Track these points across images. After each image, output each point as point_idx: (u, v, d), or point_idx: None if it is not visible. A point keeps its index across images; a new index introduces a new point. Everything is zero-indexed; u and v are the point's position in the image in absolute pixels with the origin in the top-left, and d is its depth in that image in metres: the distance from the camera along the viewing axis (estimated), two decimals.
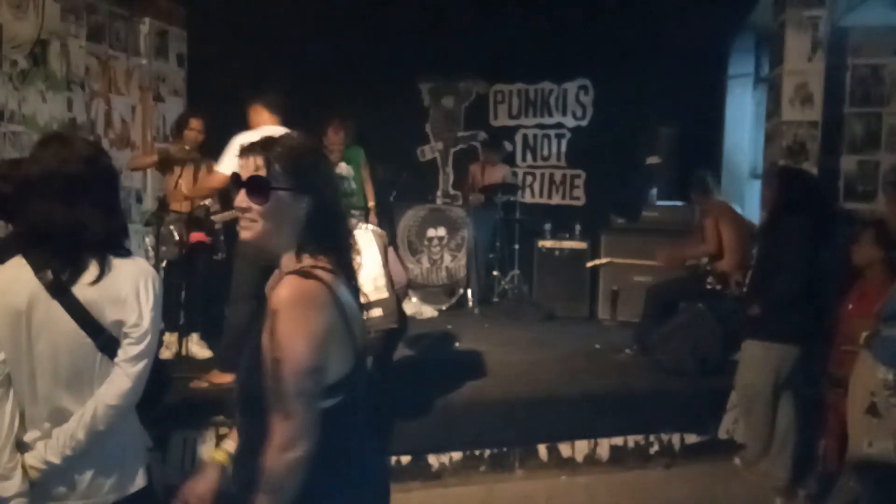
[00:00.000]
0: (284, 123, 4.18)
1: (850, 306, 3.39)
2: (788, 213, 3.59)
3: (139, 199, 5.31)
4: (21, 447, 1.75)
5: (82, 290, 1.73)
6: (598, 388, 4.34)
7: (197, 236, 4.47)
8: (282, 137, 1.54)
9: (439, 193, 7.91)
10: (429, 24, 5.99)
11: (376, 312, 3.22)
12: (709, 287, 4.77)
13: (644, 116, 6.61)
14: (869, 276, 3.35)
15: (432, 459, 3.86)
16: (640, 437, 4.08)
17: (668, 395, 4.24)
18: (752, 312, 3.63)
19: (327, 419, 1.42)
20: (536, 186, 7.78)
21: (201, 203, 4.44)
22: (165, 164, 4.54)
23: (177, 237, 4.40)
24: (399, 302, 3.45)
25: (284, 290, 1.42)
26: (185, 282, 4.57)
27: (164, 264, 4.44)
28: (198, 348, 4.47)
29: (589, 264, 6.28)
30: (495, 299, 6.75)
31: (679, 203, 5.91)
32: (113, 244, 1.81)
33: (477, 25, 6.08)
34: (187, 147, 4.45)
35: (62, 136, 1.95)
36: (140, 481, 1.87)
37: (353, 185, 5.99)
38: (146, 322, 1.78)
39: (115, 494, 1.81)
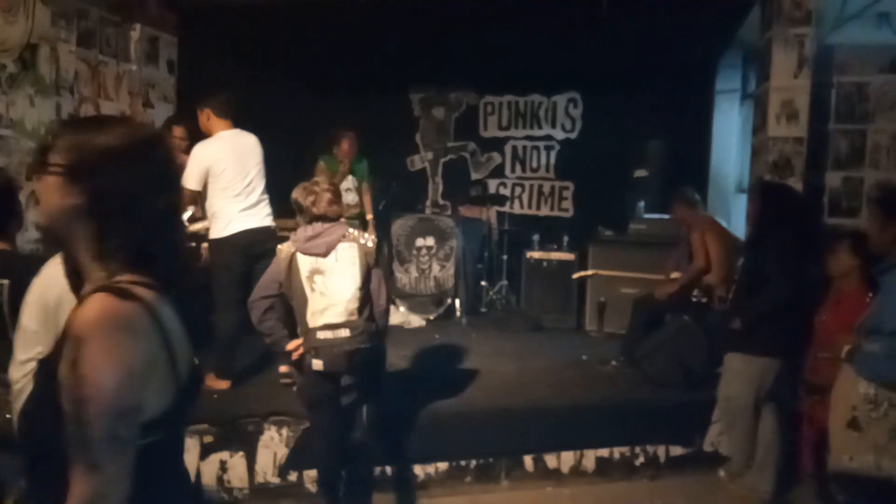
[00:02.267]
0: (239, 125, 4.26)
1: (826, 315, 3.43)
2: (772, 227, 3.62)
3: None
4: None
5: None
6: (584, 399, 4.35)
7: None
8: (98, 118, 1.38)
9: (428, 203, 7.94)
10: (420, 36, 6.02)
11: (343, 333, 3.10)
12: (695, 300, 4.82)
13: (632, 130, 6.68)
14: (845, 286, 3.39)
15: (418, 470, 3.86)
16: (625, 449, 4.10)
17: (653, 407, 4.25)
18: (734, 326, 3.66)
19: (139, 460, 1.19)
20: (525, 197, 7.83)
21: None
22: None
23: None
24: (375, 324, 3.24)
25: (91, 312, 1.16)
26: None
27: None
28: None
29: (575, 276, 6.30)
30: (483, 309, 6.76)
31: (666, 216, 5.94)
32: None
33: (468, 37, 6.12)
34: None
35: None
36: None
37: (357, 198, 6.00)
38: None
39: None
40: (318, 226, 3.17)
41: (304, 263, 3.13)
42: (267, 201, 4.30)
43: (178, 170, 1.38)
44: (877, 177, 4.89)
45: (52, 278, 1.78)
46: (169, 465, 1.32)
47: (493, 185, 7.89)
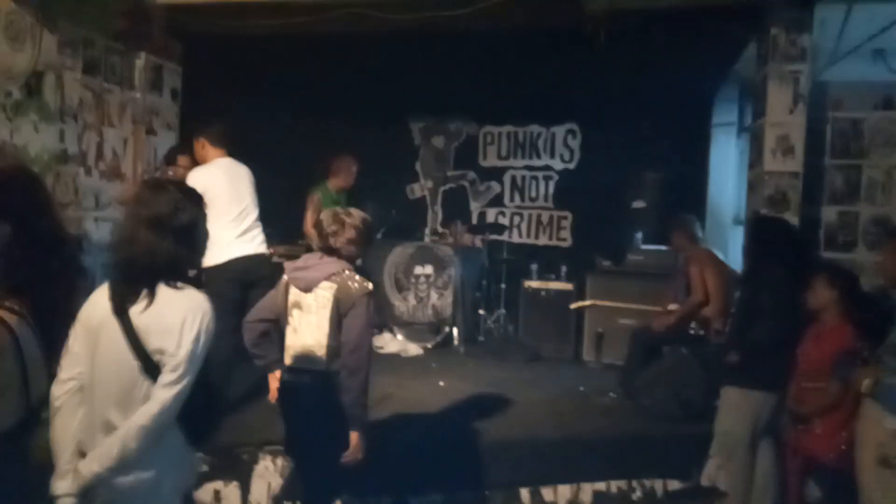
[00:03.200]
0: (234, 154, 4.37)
1: (808, 346, 3.46)
2: (768, 261, 3.65)
3: None
4: (79, 453, 1.97)
5: (137, 315, 1.92)
6: (581, 431, 4.33)
7: None
8: None
9: (427, 231, 7.97)
10: (421, 67, 6.11)
11: (304, 379, 2.90)
12: (692, 332, 4.82)
13: (630, 161, 6.73)
14: (825, 318, 3.42)
15: (414, 502, 3.82)
16: (622, 483, 4.06)
17: (651, 440, 4.23)
18: (731, 359, 3.66)
19: None
20: (524, 227, 7.86)
21: None
22: None
23: None
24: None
25: None
26: None
27: None
28: None
29: (572, 306, 6.31)
30: (481, 338, 6.75)
31: (664, 247, 5.98)
32: (173, 276, 1.98)
33: (468, 69, 6.21)
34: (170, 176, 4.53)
35: (160, 181, 2.19)
36: (176, 499, 2.02)
37: None
38: (182, 353, 1.91)
39: None
40: (314, 257, 2.95)
41: (292, 294, 2.93)
42: (260, 228, 4.38)
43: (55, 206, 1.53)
44: (872, 212, 4.93)
45: (96, 303, 1.97)
46: (11, 477, 1.41)
47: (491, 213, 7.93)
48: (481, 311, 6.85)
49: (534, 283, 6.65)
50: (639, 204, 6.55)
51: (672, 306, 5.01)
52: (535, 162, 7.82)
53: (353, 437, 2.84)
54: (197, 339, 1.93)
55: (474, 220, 7.83)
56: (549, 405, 4.78)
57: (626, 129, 6.86)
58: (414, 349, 6.40)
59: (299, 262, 2.98)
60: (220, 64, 5.97)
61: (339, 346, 2.84)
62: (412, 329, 6.66)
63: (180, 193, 2.09)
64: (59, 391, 1.97)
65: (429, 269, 6.78)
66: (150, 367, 1.92)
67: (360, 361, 2.82)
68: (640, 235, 6.38)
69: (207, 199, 4.06)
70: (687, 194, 6.61)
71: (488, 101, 7.33)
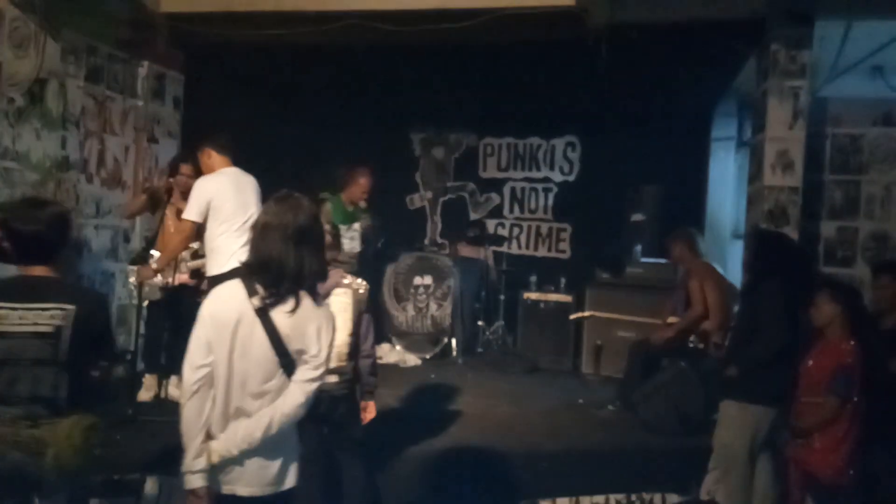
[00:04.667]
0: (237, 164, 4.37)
1: (811, 362, 3.47)
2: (767, 276, 3.65)
3: (126, 239, 5.31)
4: (209, 435, 2.17)
5: (279, 317, 2.14)
6: (580, 444, 4.32)
7: (181, 278, 4.48)
8: None
9: (427, 241, 7.97)
10: (422, 78, 6.14)
11: (331, 379, 3.07)
12: (691, 345, 4.82)
13: (629, 174, 6.75)
14: (829, 333, 3.44)
15: None
16: (621, 496, 4.04)
17: (650, 453, 4.22)
18: (730, 373, 3.66)
19: None
20: (523, 238, 7.88)
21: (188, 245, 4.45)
22: (154, 203, 4.61)
23: (160, 278, 4.40)
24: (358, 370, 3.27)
25: None
26: (167, 324, 4.55)
27: (146, 304, 4.42)
28: (177, 391, 4.41)
29: (572, 317, 6.31)
30: (479, 349, 6.74)
31: (663, 260, 5.99)
32: (310, 285, 2.20)
33: (469, 80, 6.24)
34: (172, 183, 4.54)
35: (294, 195, 2.33)
36: (291, 481, 2.24)
37: (360, 246, 5.80)
38: (323, 354, 2.19)
39: (272, 488, 2.19)
40: None
41: None
42: None
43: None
44: (871, 227, 4.95)
45: (228, 299, 2.19)
46: None
47: (491, 225, 7.95)
48: (480, 323, 6.85)
49: (533, 295, 6.65)
50: (638, 217, 6.57)
51: (671, 319, 5.02)
52: (535, 174, 7.84)
53: (371, 406, 3.32)
54: (330, 343, 2.21)
55: (472, 233, 7.82)
56: (548, 417, 4.77)
57: (626, 143, 6.89)
58: (412, 360, 6.39)
59: None
60: (223, 73, 6.00)
61: (357, 340, 3.23)
62: (411, 340, 6.65)
63: (315, 208, 2.34)
64: (195, 377, 2.16)
65: (428, 280, 6.78)
66: (288, 365, 2.15)
67: (374, 352, 3.36)
68: (639, 248, 6.39)
69: (213, 207, 4.13)
70: (686, 208, 6.63)
71: (489, 112, 7.37)
